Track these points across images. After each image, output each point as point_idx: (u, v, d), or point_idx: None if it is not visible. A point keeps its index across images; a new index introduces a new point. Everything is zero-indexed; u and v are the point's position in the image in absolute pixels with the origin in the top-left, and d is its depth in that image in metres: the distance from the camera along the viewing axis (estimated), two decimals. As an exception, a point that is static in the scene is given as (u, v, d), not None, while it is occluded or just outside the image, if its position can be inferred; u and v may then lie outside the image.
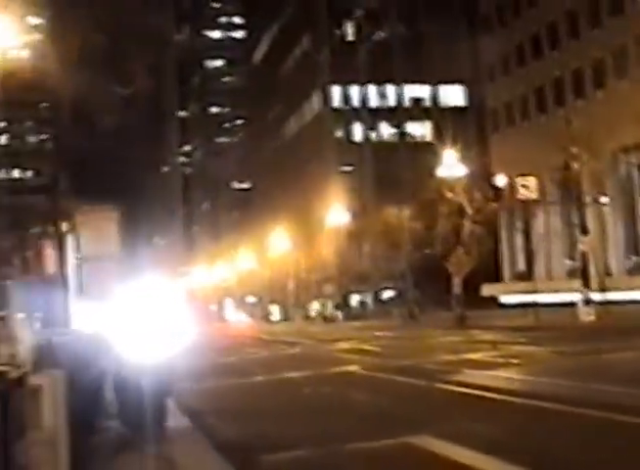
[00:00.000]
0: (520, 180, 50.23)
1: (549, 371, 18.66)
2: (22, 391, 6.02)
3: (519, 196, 50.75)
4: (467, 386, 16.50)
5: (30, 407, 6.32)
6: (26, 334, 6.28)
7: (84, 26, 34.55)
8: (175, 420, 12.84)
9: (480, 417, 12.71)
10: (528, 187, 49.94)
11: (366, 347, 33.03)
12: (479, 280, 66.32)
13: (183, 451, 10.36)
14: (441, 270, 56.44)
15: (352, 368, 22.68)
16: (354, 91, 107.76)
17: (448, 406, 14.40)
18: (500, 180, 52.94)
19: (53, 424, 6.61)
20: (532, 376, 18.02)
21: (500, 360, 22.16)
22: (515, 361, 21.69)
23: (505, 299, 70.41)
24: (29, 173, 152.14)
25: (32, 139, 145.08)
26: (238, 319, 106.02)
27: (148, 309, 11.20)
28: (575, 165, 46.16)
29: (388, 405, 15.08)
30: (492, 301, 70.79)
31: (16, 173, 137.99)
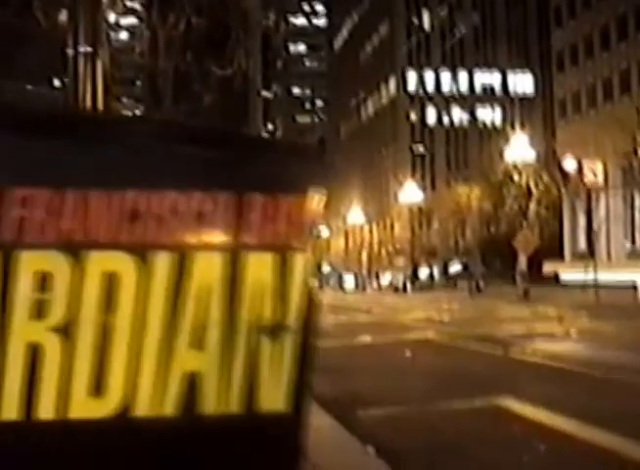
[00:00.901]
0: (587, 164, 49.68)
1: (614, 344, 18.63)
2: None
3: (585, 180, 50.23)
4: (540, 355, 16.54)
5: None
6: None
7: (184, 9, 34.87)
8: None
9: (555, 383, 12.76)
10: (595, 172, 49.42)
11: (438, 316, 33.05)
12: (541, 258, 65.73)
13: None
14: (506, 247, 56.06)
15: (429, 335, 22.77)
16: (429, 77, 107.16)
17: (525, 373, 14.45)
18: (569, 164, 52.29)
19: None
20: (599, 348, 17.99)
21: (567, 333, 22.12)
22: (581, 335, 21.63)
23: (565, 277, 69.66)
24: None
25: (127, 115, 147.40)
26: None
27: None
28: (640, 151, 45.67)
29: (468, 370, 15.15)
30: (553, 278, 70.05)
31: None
